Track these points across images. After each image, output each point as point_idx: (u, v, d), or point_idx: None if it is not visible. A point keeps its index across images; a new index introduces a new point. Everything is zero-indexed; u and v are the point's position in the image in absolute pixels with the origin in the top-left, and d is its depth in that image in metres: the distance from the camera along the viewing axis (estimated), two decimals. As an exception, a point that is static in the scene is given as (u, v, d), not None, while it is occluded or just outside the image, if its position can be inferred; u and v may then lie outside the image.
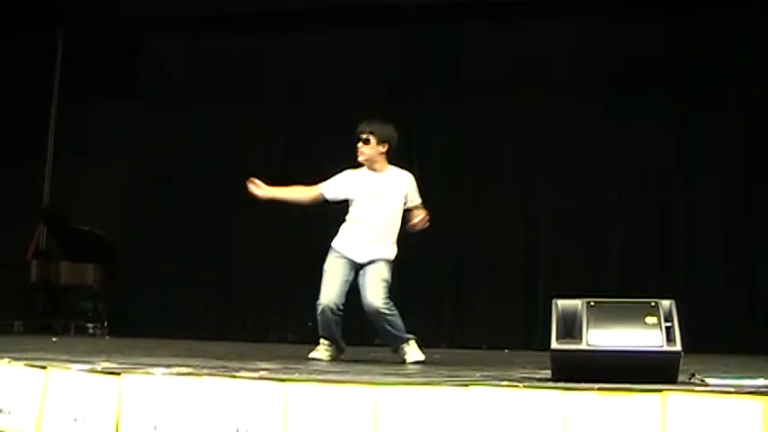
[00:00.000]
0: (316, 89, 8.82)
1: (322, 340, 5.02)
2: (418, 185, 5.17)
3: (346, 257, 4.99)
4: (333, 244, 5.06)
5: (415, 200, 5.10)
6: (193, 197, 8.95)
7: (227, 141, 8.99)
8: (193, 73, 9.34)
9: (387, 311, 4.85)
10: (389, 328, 4.88)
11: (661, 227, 7.99)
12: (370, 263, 4.97)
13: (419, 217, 5.05)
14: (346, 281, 4.95)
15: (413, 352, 4.89)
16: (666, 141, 8.05)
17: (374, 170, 5.06)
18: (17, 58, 9.43)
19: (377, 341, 7.06)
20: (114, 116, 9.51)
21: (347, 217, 5.10)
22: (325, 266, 5.00)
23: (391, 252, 5.05)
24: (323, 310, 4.90)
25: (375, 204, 5.01)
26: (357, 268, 4.98)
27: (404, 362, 4.80)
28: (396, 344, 4.95)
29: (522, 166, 8.38)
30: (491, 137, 8.36)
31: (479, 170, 8.38)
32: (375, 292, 4.86)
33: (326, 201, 5.13)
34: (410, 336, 4.95)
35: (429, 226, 5.14)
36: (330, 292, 4.91)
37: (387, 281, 4.95)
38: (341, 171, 5.16)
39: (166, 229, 9.05)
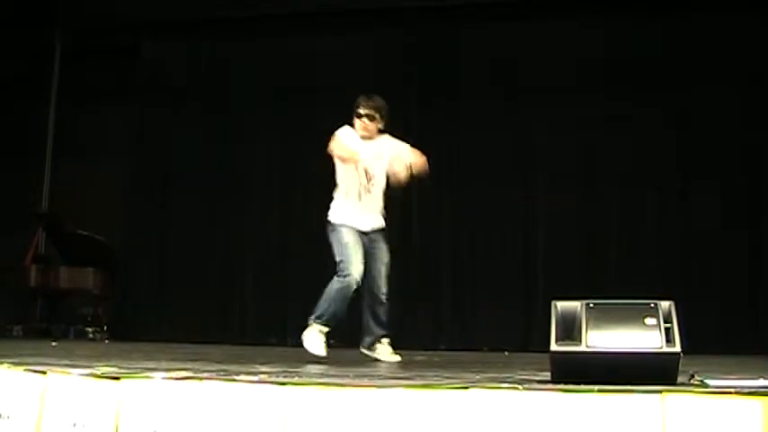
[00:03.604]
0: (315, 91, 8.83)
1: (322, 327, 4.74)
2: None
3: (353, 227, 4.91)
4: (341, 218, 4.93)
5: (401, 146, 5.04)
6: (193, 200, 8.96)
7: (225, 144, 8.99)
8: (192, 76, 9.35)
9: (387, 299, 4.91)
10: (383, 316, 4.91)
11: (660, 227, 8.00)
12: (374, 233, 4.95)
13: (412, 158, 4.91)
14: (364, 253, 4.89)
15: (389, 352, 4.93)
16: (666, 141, 8.07)
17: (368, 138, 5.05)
18: (15, 62, 9.44)
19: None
20: (113, 119, 9.51)
21: (341, 188, 5.01)
22: (345, 237, 4.84)
23: (383, 221, 5.07)
24: (350, 283, 4.71)
25: (372, 167, 4.96)
26: (363, 239, 4.92)
27: (376, 359, 4.87)
28: (376, 335, 4.94)
29: (522, 167, 8.39)
30: (490, 138, 8.37)
31: (479, 171, 8.39)
32: (384, 279, 4.91)
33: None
34: (387, 331, 4.99)
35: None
36: (358, 263, 4.77)
37: (389, 262, 4.98)
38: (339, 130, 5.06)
39: (166, 233, 9.05)
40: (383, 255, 4.96)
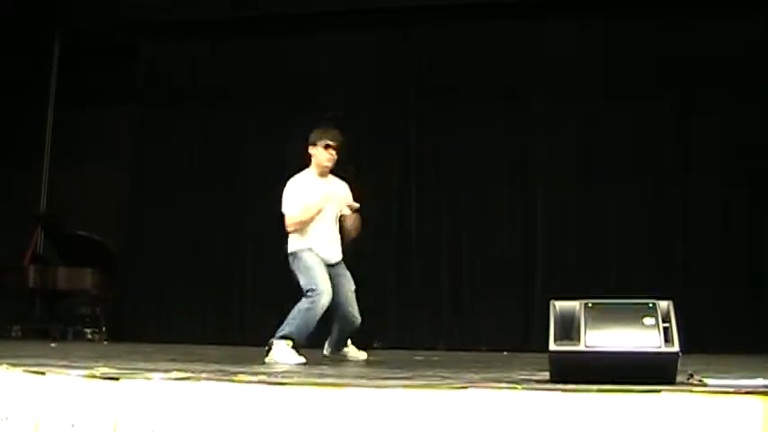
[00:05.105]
0: (315, 91, 8.83)
1: (289, 342, 4.74)
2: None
3: (317, 254, 5.06)
4: (303, 245, 5.04)
5: (347, 194, 5.28)
6: (191, 201, 8.96)
7: (224, 145, 8.99)
8: (191, 76, 9.34)
9: (360, 319, 5.16)
10: (353, 334, 5.21)
11: (660, 227, 7.99)
12: (338, 266, 5.12)
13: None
14: None
15: (356, 350, 5.25)
16: (666, 141, 8.07)
17: (325, 176, 5.22)
18: (13, 63, 9.43)
19: (375, 344, 7.11)
20: (113, 120, 9.50)
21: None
22: (309, 262, 4.96)
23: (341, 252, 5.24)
24: (320, 303, 4.80)
25: (329, 207, 5.14)
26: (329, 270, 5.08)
27: (344, 357, 5.20)
28: (343, 342, 5.23)
29: (522, 167, 8.39)
30: (490, 137, 8.36)
31: (478, 171, 8.39)
32: (355, 303, 5.12)
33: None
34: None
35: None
36: (327, 283, 4.88)
37: (354, 288, 5.17)
38: (289, 184, 5.23)
39: (165, 234, 9.04)
40: (349, 282, 5.13)
